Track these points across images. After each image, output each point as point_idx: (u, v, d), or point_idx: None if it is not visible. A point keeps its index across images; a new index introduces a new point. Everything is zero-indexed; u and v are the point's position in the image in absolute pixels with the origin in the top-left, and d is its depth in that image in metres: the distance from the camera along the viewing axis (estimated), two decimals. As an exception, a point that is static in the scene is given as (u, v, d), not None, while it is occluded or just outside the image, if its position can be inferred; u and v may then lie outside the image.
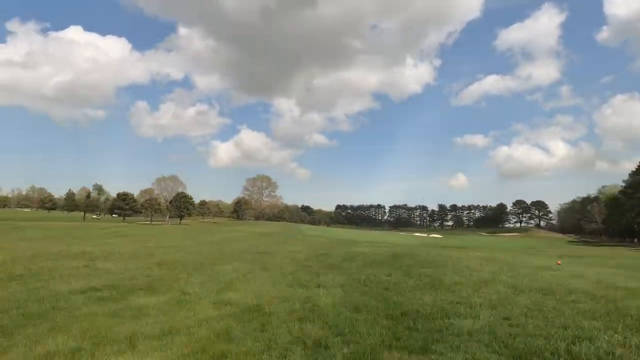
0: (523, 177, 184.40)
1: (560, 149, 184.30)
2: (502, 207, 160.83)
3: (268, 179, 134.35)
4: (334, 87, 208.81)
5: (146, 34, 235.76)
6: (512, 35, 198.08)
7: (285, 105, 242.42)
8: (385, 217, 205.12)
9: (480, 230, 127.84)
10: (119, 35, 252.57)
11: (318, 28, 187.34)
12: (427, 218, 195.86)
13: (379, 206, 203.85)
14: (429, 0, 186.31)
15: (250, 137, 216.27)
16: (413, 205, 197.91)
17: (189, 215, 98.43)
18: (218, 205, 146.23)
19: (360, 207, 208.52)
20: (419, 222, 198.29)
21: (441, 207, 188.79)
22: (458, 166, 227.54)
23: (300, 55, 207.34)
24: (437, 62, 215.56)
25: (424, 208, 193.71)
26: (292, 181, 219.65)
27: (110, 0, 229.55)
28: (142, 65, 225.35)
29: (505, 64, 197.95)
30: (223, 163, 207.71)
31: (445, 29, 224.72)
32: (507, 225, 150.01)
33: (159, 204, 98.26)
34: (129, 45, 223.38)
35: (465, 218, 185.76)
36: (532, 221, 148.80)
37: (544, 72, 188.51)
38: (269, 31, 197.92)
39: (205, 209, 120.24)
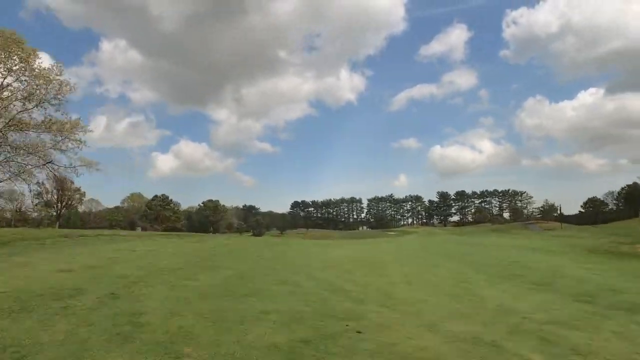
0: (460, 174, 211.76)
1: (487, 147, 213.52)
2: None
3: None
4: (269, 96, 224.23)
5: (69, 48, 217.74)
6: (432, 48, 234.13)
7: (221, 115, 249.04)
8: (363, 215, 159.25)
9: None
10: (40, 49, 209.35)
11: (248, 39, 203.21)
12: (423, 213, 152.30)
13: (353, 200, 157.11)
14: (355, 17, 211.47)
15: (190, 148, 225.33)
16: (401, 197, 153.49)
17: None
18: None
19: (326, 204, 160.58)
20: (410, 220, 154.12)
21: (443, 196, 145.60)
22: (398, 168, 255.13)
23: (231, 65, 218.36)
24: (369, 73, 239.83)
25: (417, 199, 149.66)
26: (239, 189, 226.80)
27: (28, 11, 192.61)
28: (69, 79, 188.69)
29: (428, 73, 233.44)
30: (163, 173, 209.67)
31: (372, 43, 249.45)
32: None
33: None
34: (51, 60, 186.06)
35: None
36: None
37: (463, 80, 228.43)
38: (196, 42, 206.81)
39: None
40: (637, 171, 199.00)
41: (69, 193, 73.29)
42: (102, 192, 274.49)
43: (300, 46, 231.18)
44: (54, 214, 75.83)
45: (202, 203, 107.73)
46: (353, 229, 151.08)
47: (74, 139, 26.48)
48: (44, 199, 72.64)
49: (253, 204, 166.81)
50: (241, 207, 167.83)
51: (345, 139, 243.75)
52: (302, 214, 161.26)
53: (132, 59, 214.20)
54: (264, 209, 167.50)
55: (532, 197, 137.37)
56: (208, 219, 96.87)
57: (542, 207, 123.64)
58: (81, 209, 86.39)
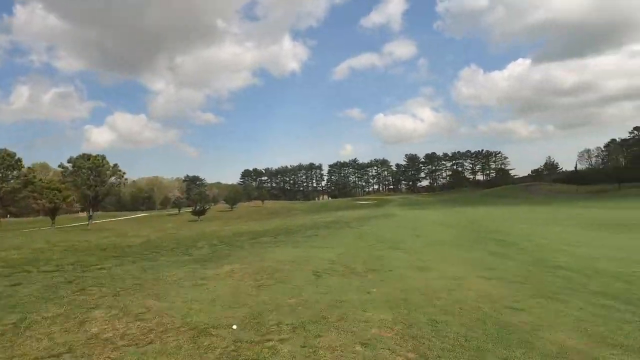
0: (404, 142, 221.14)
1: (428, 116, 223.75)
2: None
3: None
4: (208, 65, 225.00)
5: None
6: (372, 19, 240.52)
7: (158, 85, 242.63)
8: (324, 183, 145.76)
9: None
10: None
11: (181, 5, 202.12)
12: (390, 178, 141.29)
13: (312, 167, 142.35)
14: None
15: (127, 120, 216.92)
16: (366, 161, 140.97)
17: None
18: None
19: (282, 171, 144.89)
20: (375, 187, 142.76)
21: (411, 159, 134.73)
22: (344, 137, 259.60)
23: (164, 32, 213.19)
24: (312, 42, 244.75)
25: (383, 163, 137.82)
26: (184, 161, 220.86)
27: None
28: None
29: (370, 43, 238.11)
30: (99, 147, 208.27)
31: (313, 12, 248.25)
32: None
33: None
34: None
35: (442, 174, 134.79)
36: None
37: (403, 50, 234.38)
38: (124, 7, 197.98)
39: None
40: (563, 136, 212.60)
41: None
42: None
43: (239, 15, 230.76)
44: None
45: (68, 162, 48.09)
46: (313, 199, 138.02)
47: None
48: None
49: (197, 175, 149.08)
50: (183, 178, 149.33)
51: (291, 109, 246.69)
52: (254, 183, 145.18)
53: (52, 25, 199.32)
54: (211, 180, 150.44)
55: (507, 157, 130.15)
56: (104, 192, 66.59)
57: (542, 166, 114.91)
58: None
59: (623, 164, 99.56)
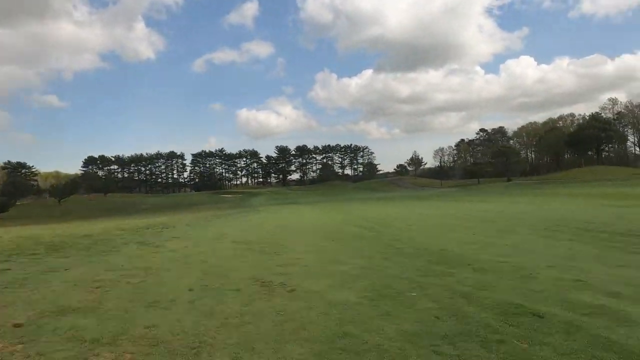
0: (268, 137, 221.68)
1: (290, 113, 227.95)
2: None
3: None
4: (39, 42, 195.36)
5: None
6: (231, 18, 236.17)
7: None
8: (186, 175, 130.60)
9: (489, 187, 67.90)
10: None
11: None
12: (259, 171, 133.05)
13: (173, 155, 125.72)
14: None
15: None
16: (234, 152, 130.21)
17: None
18: None
19: (136, 160, 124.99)
20: (244, 179, 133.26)
21: (282, 150, 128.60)
22: (207, 130, 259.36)
23: None
24: (169, 32, 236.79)
25: (253, 155, 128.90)
26: (15, 149, 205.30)
27: None
28: None
29: (229, 40, 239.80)
30: None
31: (170, 5, 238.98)
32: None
33: None
34: None
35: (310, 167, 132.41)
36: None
37: (262, 50, 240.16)
38: None
39: None
40: (409, 139, 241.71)
41: None
42: None
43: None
44: None
45: None
46: (173, 192, 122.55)
47: None
48: None
49: (24, 162, 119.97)
50: (1, 164, 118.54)
51: (148, 97, 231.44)
52: (101, 173, 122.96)
53: None
54: (49, 169, 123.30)
55: (373, 152, 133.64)
56: None
57: (408, 161, 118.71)
58: None
59: (471, 161, 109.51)
